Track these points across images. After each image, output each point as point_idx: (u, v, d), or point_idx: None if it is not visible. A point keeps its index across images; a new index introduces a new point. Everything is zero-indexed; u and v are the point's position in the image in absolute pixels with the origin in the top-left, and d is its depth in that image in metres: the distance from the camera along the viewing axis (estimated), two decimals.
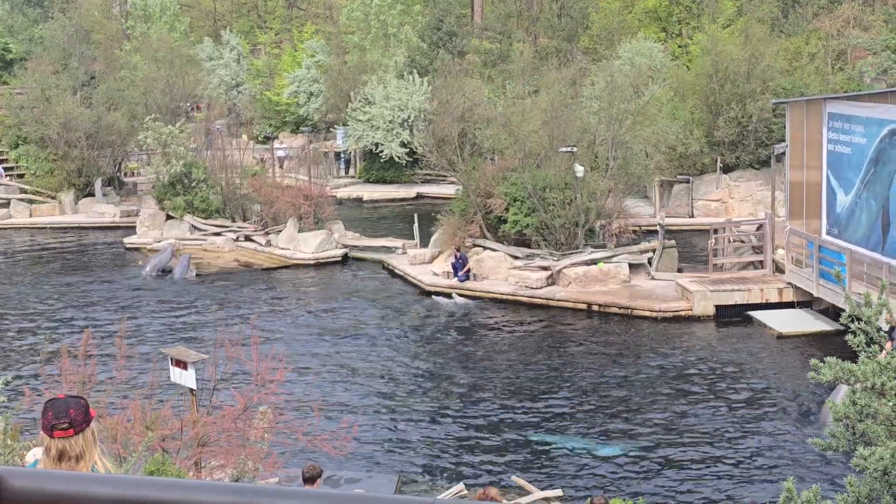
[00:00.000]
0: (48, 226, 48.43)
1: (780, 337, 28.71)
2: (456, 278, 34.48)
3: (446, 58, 53.70)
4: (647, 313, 31.17)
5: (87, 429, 5.24)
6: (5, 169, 52.48)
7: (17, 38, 60.93)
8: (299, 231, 40.06)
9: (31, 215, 49.77)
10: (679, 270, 34.24)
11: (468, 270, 34.53)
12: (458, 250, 35.14)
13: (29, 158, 51.44)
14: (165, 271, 37.96)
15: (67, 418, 5.18)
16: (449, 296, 33.79)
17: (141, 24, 72.90)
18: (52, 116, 49.34)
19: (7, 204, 50.12)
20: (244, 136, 52.38)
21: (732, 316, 30.61)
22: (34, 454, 11.86)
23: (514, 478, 19.57)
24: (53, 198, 50.33)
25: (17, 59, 57.35)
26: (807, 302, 30.63)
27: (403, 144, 52.65)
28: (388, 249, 39.42)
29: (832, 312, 28.76)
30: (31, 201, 50.32)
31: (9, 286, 37.24)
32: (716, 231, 34.05)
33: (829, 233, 30.10)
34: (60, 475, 3.24)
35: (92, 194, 50.62)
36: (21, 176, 51.99)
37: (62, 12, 61.15)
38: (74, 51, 55.07)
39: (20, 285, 37.31)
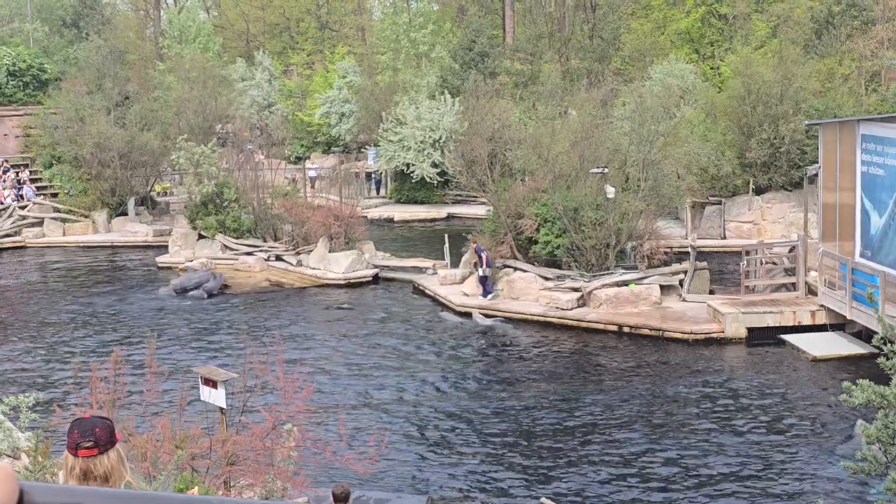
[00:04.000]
0: (81, 244, 48.76)
1: (815, 360, 28.44)
2: (484, 294, 34.64)
3: (478, 78, 53.80)
4: (679, 335, 30.99)
5: (112, 449, 5.23)
6: (39, 188, 52.92)
7: (53, 59, 61.48)
8: (330, 251, 40.13)
9: (64, 234, 50.13)
10: (711, 292, 34.06)
11: (488, 263, 34.74)
12: (474, 243, 35.49)
13: (63, 178, 51.92)
14: (196, 287, 38.16)
15: (93, 437, 5.17)
16: (469, 315, 33.89)
17: (175, 45, 73.44)
18: (86, 136, 49.75)
19: (41, 222, 50.54)
20: (260, 152, 52.61)
21: (764, 338, 30.38)
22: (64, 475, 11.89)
23: (543, 499, 19.47)
24: (87, 217, 50.72)
25: (52, 80, 57.81)
26: (840, 325, 30.38)
27: (434, 165, 52.73)
28: (419, 270, 39.41)
29: (865, 335, 28.48)
30: (64, 220, 50.72)
31: (41, 304, 37.48)
32: (748, 253, 33.86)
33: (862, 255, 29.85)
34: (82, 491, 3.23)
35: (125, 213, 51.01)
36: (55, 195, 52.44)
37: (97, 33, 61.66)
38: (108, 71, 55.50)
39: (52, 303, 37.53)
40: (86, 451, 5.15)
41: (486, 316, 33.80)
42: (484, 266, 34.87)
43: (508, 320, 33.45)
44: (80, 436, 5.17)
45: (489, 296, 34.79)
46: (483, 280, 35.01)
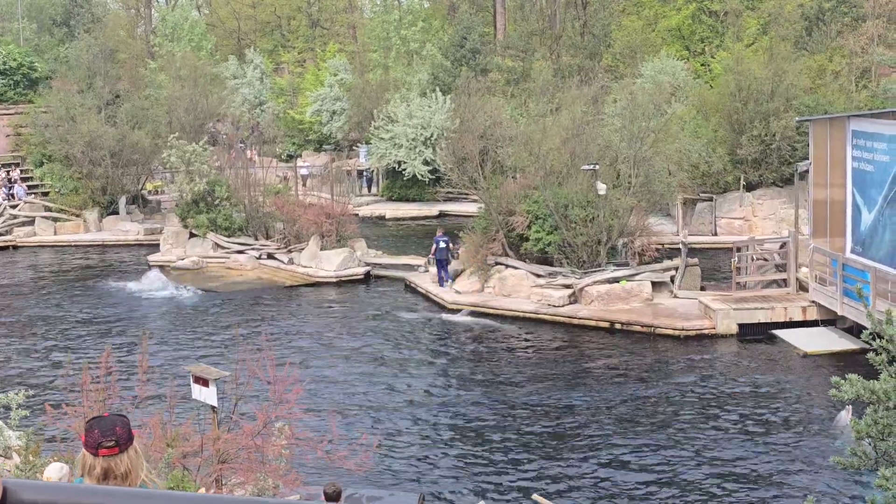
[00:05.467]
0: (72, 243, 48.65)
1: (806, 356, 28.49)
2: (443, 279, 35.64)
3: (469, 75, 53.78)
4: (670, 332, 31.03)
5: (131, 447, 5.20)
6: (29, 187, 52.78)
7: (43, 58, 61.29)
8: (322, 249, 40.09)
9: (55, 233, 50.02)
10: (702, 289, 34.08)
11: (435, 254, 35.64)
12: (441, 230, 36.64)
13: (53, 176, 51.76)
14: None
15: (114, 436, 5.13)
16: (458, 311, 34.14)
17: (167, 43, 73.33)
18: (77, 135, 49.64)
19: (32, 222, 50.41)
20: (251, 149, 52.71)
21: (755, 334, 30.44)
22: (54, 469, 11.86)
23: (535, 496, 19.48)
24: (78, 216, 50.60)
25: (42, 78, 57.65)
26: (830, 320, 30.43)
27: (426, 162, 52.70)
28: (411, 267, 39.41)
29: (856, 331, 28.53)
30: (55, 219, 50.60)
31: (33, 303, 37.41)
32: (739, 249, 33.89)
33: (853, 251, 29.90)
34: (65, 487, 3.23)
35: (116, 212, 50.90)
36: (46, 194, 52.29)
37: (88, 32, 61.51)
38: (99, 70, 55.37)
39: (44, 302, 37.46)
40: (107, 450, 5.10)
41: (455, 311, 33.99)
42: (430, 255, 35.81)
43: (474, 313, 33.59)
44: (101, 435, 5.12)
45: (445, 284, 35.90)
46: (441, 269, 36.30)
